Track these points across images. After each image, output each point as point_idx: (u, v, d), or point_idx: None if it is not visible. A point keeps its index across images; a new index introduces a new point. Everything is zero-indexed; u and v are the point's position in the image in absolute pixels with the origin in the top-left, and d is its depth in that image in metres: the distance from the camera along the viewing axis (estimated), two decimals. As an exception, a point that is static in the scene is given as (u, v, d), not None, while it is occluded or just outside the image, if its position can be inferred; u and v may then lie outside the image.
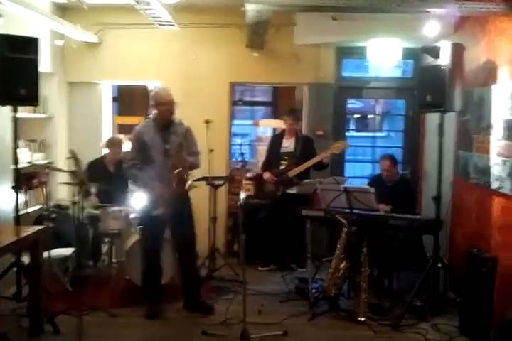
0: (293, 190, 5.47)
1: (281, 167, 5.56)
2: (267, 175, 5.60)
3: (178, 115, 4.45)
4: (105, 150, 5.50)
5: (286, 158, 5.57)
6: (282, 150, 5.65)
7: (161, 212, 4.22)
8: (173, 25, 5.61)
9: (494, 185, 4.24)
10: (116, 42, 6.20)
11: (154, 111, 4.44)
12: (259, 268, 5.65)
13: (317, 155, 5.34)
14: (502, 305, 3.91)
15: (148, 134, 4.33)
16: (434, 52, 4.38)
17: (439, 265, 4.35)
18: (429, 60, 4.44)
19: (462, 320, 4.08)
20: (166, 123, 4.35)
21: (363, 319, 4.19)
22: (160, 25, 5.56)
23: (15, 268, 4.13)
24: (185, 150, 4.32)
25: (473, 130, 4.68)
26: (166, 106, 4.29)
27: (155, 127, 4.35)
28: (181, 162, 4.26)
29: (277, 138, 5.83)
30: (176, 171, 4.21)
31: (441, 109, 4.37)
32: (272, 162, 5.70)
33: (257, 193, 5.80)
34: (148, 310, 4.30)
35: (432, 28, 4.71)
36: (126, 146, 5.45)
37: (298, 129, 5.77)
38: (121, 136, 5.56)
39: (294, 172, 5.44)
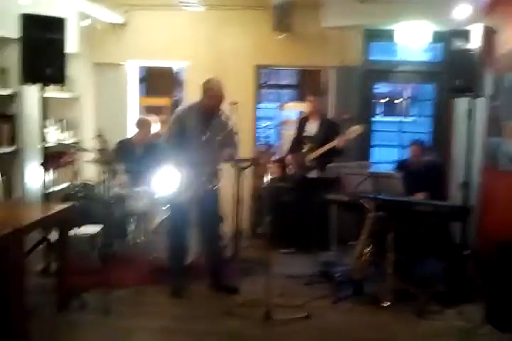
0: (312, 175, 5.45)
1: (304, 151, 5.54)
2: (288, 158, 5.59)
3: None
4: (134, 131, 5.51)
5: (306, 141, 5.54)
6: (305, 133, 5.61)
7: (187, 198, 4.22)
8: (198, 7, 5.57)
9: (525, 171, 4.17)
10: (141, 23, 6.19)
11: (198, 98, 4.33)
12: (282, 250, 5.63)
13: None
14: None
15: (189, 120, 4.28)
16: (464, 36, 4.28)
17: (467, 252, 4.29)
18: (459, 43, 4.34)
19: (489, 308, 4.04)
20: (210, 113, 4.28)
21: (387, 304, 4.16)
22: (185, 6, 5.53)
23: (43, 245, 4.18)
24: (223, 144, 4.28)
25: (504, 116, 4.58)
26: (214, 99, 4.20)
27: (198, 114, 4.28)
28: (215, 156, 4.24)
29: (302, 121, 5.79)
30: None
31: (471, 94, 4.28)
32: (297, 145, 5.68)
33: (282, 176, 5.79)
34: (173, 289, 4.32)
35: (462, 11, 4.62)
36: (155, 128, 5.47)
37: (323, 112, 5.70)
38: (152, 118, 5.48)
39: (310, 156, 5.42)
